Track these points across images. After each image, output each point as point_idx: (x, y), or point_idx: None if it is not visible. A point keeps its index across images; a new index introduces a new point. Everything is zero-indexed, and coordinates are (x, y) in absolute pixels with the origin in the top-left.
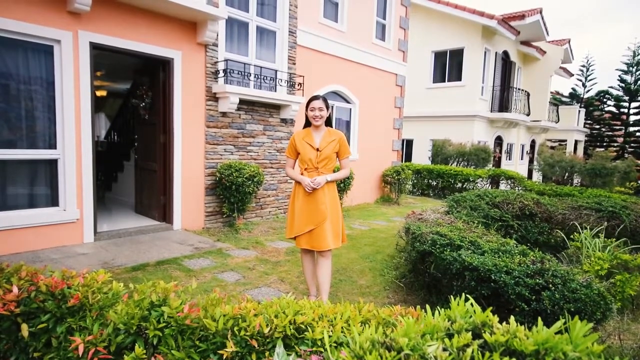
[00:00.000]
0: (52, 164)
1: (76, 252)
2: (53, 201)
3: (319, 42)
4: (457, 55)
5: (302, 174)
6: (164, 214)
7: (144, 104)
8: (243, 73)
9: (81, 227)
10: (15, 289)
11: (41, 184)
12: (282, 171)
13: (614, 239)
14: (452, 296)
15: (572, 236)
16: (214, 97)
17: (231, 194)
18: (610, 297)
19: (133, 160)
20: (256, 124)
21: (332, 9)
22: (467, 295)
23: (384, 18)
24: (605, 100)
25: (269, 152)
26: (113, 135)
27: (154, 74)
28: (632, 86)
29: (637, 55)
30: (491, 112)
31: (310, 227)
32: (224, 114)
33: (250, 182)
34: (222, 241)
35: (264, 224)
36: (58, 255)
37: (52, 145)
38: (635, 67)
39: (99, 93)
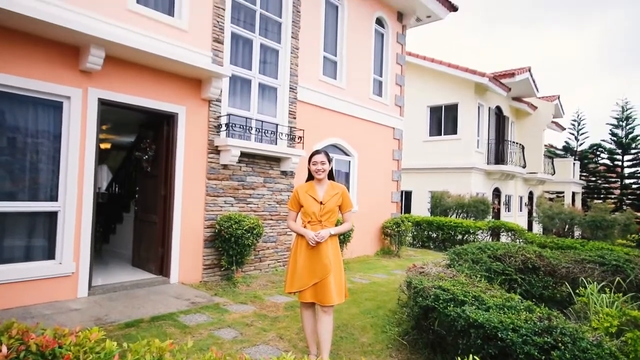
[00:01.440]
0: (52, 216)
1: (69, 308)
2: (49, 254)
3: (319, 98)
4: (452, 110)
5: (305, 227)
6: (161, 267)
7: (147, 156)
8: (245, 127)
9: (76, 281)
10: (4, 349)
11: (39, 236)
12: (282, 223)
13: (621, 294)
14: (458, 357)
15: (577, 290)
16: (215, 150)
17: (230, 247)
18: (623, 357)
19: (133, 212)
20: (256, 176)
21: (331, 67)
22: (475, 358)
23: (381, 75)
24: (598, 153)
25: (269, 204)
26: (114, 187)
27: (158, 128)
28: (624, 140)
29: (626, 110)
30: (488, 164)
31: (314, 281)
32: (225, 167)
33: (249, 234)
34: (219, 295)
35: (263, 277)
36: (50, 311)
37: (54, 197)
38: (624, 122)
39: (103, 146)
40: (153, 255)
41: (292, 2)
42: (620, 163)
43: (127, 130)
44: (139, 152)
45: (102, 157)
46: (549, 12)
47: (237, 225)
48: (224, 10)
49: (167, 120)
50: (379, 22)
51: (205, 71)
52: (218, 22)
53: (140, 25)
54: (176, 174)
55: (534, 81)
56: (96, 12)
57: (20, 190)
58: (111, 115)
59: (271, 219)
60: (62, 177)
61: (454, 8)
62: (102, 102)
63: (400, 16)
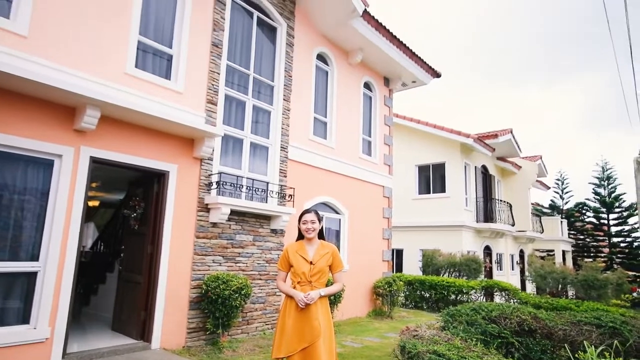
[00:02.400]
0: (31, 276)
1: None
2: (24, 318)
3: (309, 157)
4: (439, 169)
5: (294, 287)
6: (143, 331)
7: (135, 214)
8: (235, 185)
9: (50, 347)
10: None
11: (15, 298)
12: (271, 283)
13: (621, 359)
14: None
15: (576, 355)
16: (205, 208)
17: (217, 308)
18: None
19: (117, 271)
20: (246, 234)
21: (321, 127)
22: None
23: (370, 135)
24: (584, 211)
25: (258, 263)
26: (99, 245)
27: (148, 186)
28: (607, 199)
29: (606, 170)
30: (477, 222)
31: (303, 346)
32: (214, 225)
33: (237, 294)
34: None
35: (250, 341)
36: None
37: (35, 256)
38: (606, 181)
39: (91, 203)
40: (135, 318)
41: (285, 67)
42: (606, 221)
43: (117, 187)
44: (127, 210)
45: (89, 214)
46: (531, 73)
47: (224, 286)
48: (218, 74)
49: (157, 178)
50: (367, 86)
51: (198, 131)
52: (213, 85)
53: (137, 88)
54: (164, 232)
55: (516, 142)
56: (95, 75)
57: (1, 249)
58: (102, 172)
59: (260, 279)
60: (45, 236)
61: (437, 75)
62: (94, 160)
63: (386, 81)
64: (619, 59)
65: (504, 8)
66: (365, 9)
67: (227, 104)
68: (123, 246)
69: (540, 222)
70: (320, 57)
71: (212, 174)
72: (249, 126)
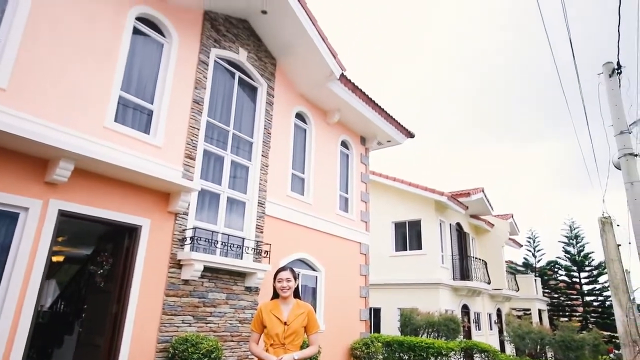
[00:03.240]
0: None
1: None
2: None
3: (287, 213)
4: (415, 226)
5: (267, 350)
6: None
7: (102, 270)
8: (210, 240)
9: None
10: None
11: None
12: (244, 345)
13: None
14: None
15: None
16: (177, 264)
17: None
18: None
19: (76, 333)
20: (219, 292)
21: (299, 183)
22: None
23: (347, 192)
24: (556, 269)
25: (231, 324)
26: (59, 304)
27: (118, 241)
28: (577, 257)
29: (573, 229)
30: (454, 280)
31: None
32: (186, 282)
33: (206, 358)
34: None
35: None
36: None
37: None
38: (574, 240)
39: (55, 258)
40: None
41: (264, 124)
42: (578, 280)
43: (85, 242)
44: (93, 266)
45: (51, 270)
46: (506, 131)
47: (193, 349)
48: (198, 130)
49: (129, 233)
50: (344, 144)
51: (175, 185)
52: (192, 140)
53: (115, 141)
54: (132, 290)
55: (488, 200)
56: (73, 128)
57: None
58: (70, 226)
59: (232, 340)
60: (0, 293)
61: (411, 135)
62: (63, 214)
63: (363, 140)
64: (580, 124)
65: (486, 67)
66: (342, 73)
67: (205, 159)
68: (85, 305)
69: (515, 280)
70: (299, 116)
71: (186, 229)
72: (226, 181)
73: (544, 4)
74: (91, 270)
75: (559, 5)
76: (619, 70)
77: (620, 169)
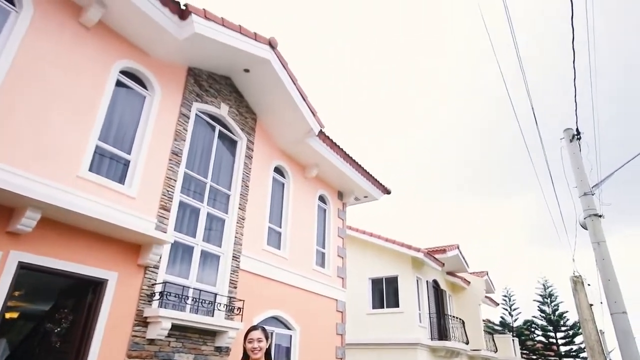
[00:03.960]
0: None
1: None
2: None
3: (262, 267)
4: (392, 283)
5: None
6: None
7: (59, 328)
8: (181, 296)
9: None
10: None
11: None
12: None
13: None
14: None
15: None
16: (143, 322)
17: None
18: None
19: None
20: (187, 352)
21: (275, 237)
22: None
23: (324, 247)
24: (533, 329)
25: None
26: None
27: (81, 296)
28: (552, 316)
29: (547, 288)
30: (432, 339)
31: None
32: (151, 342)
33: None
34: None
35: None
36: None
37: None
38: (549, 299)
39: (8, 315)
40: None
41: (242, 177)
42: (554, 340)
43: (43, 297)
44: (50, 324)
45: (3, 329)
46: (483, 187)
47: None
48: (175, 181)
49: (94, 288)
50: (322, 199)
51: (147, 237)
52: (168, 191)
53: (88, 191)
54: (90, 351)
55: (463, 257)
56: (44, 177)
57: None
58: (29, 279)
59: None
60: None
61: (387, 191)
62: (23, 266)
63: (340, 195)
64: (545, 182)
65: (465, 132)
66: (321, 130)
67: (180, 211)
68: None
69: (493, 340)
70: (278, 170)
71: (156, 283)
72: (201, 233)
73: (510, 75)
74: (47, 328)
75: (524, 77)
76: (579, 137)
77: (586, 229)
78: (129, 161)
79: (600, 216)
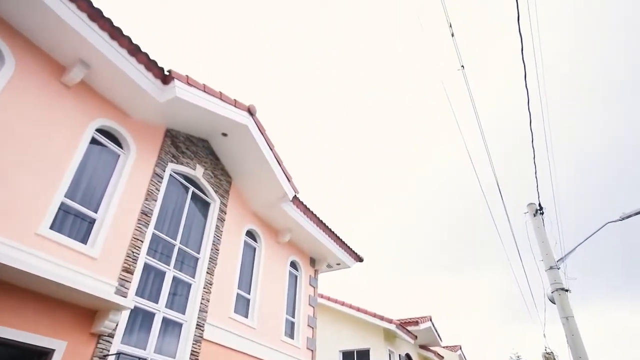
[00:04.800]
0: None
1: None
2: None
3: (227, 337)
4: (364, 356)
5: None
6: None
7: None
8: None
9: None
10: None
11: None
12: None
13: None
14: None
15: None
16: None
17: None
18: None
19: None
20: None
21: (243, 304)
22: None
23: (293, 316)
24: None
25: None
26: None
27: None
28: None
29: None
30: None
31: None
32: None
33: None
34: None
35: None
36: None
37: None
38: None
39: None
40: None
41: (213, 240)
42: None
43: None
44: None
45: None
46: (453, 261)
47: None
48: (142, 242)
49: (38, 359)
50: (294, 265)
51: (104, 301)
52: (133, 252)
53: (45, 250)
54: None
55: (436, 330)
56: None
57: None
58: None
59: None
60: None
61: (360, 259)
62: None
63: (313, 261)
64: (513, 256)
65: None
66: (295, 195)
67: (145, 274)
68: None
69: None
70: (250, 234)
71: (108, 355)
72: (164, 299)
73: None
74: None
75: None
76: (541, 211)
77: (554, 303)
78: (95, 220)
79: (567, 290)
